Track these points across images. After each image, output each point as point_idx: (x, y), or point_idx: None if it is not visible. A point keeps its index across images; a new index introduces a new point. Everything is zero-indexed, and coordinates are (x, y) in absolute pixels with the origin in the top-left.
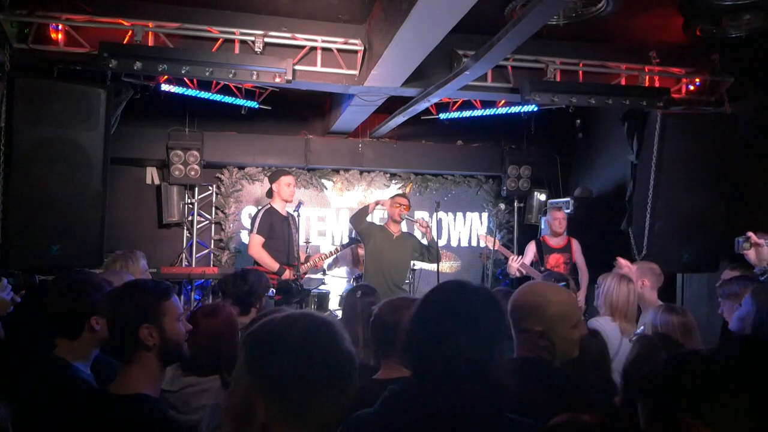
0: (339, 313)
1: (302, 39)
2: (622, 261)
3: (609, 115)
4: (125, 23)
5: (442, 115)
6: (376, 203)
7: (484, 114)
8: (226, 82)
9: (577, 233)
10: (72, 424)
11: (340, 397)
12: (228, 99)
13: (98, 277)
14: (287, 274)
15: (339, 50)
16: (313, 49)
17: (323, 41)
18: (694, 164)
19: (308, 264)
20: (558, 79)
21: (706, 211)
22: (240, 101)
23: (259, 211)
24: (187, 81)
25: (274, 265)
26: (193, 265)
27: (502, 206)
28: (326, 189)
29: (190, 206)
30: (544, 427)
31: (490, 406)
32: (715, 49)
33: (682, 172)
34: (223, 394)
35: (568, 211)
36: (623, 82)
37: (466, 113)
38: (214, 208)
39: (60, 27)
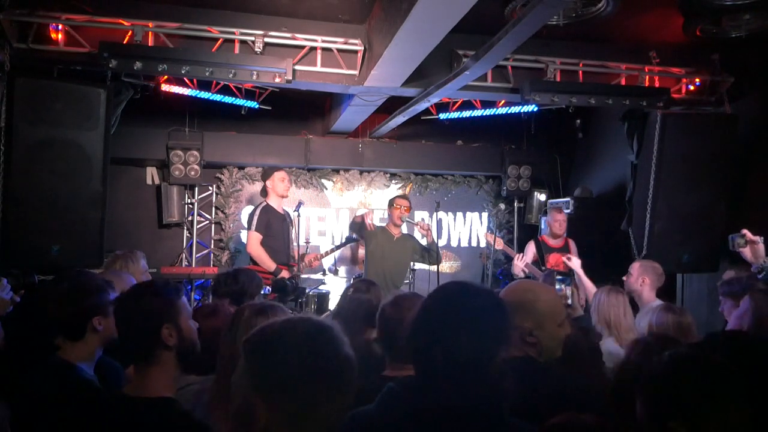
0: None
1: (302, 39)
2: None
3: (609, 115)
4: (125, 23)
5: (442, 115)
6: (363, 217)
7: (484, 114)
8: (226, 82)
9: (577, 233)
10: (88, 427)
11: (340, 400)
12: (228, 99)
13: (98, 278)
14: (284, 275)
15: (339, 50)
16: (313, 49)
17: (323, 41)
18: (694, 164)
19: (302, 264)
20: (558, 79)
21: (706, 211)
22: (240, 101)
23: (256, 208)
24: (187, 81)
25: (271, 265)
26: (193, 265)
27: (502, 206)
28: (326, 189)
29: (190, 206)
30: (542, 427)
31: (489, 408)
32: (715, 49)
33: (682, 172)
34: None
35: (568, 211)
36: (623, 82)
37: (466, 113)
38: (214, 208)
39: (60, 27)
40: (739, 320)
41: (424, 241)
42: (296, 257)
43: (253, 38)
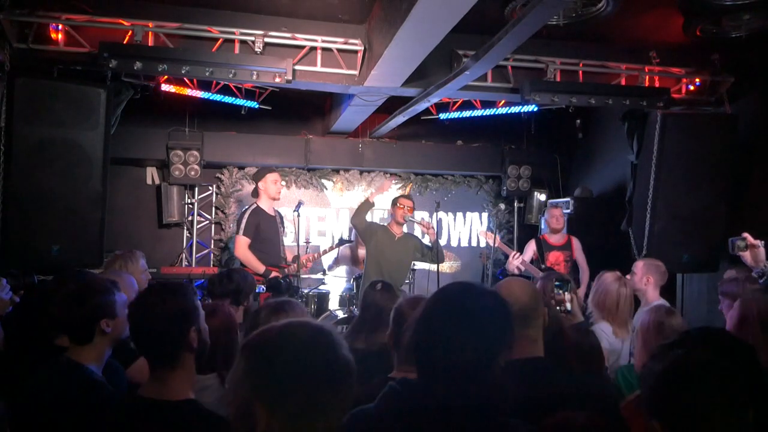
0: (339, 313)
1: (302, 39)
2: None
3: (609, 115)
4: (125, 23)
5: (442, 115)
6: (372, 196)
7: (484, 114)
8: (226, 82)
9: (577, 233)
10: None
11: (339, 403)
12: (228, 99)
13: (105, 279)
14: (273, 276)
15: (339, 50)
16: (313, 49)
17: (323, 41)
18: (694, 164)
19: (295, 265)
20: (558, 79)
21: (706, 211)
22: (240, 101)
23: (244, 211)
24: (187, 81)
25: (260, 268)
26: (193, 265)
27: (502, 206)
28: (326, 189)
29: (190, 206)
30: (538, 427)
31: (490, 408)
32: (715, 49)
33: (682, 172)
34: (221, 391)
35: (568, 211)
36: (623, 82)
37: (466, 113)
38: (214, 208)
39: (60, 27)
40: (731, 320)
41: (425, 239)
42: (288, 259)
43: (253, 38)
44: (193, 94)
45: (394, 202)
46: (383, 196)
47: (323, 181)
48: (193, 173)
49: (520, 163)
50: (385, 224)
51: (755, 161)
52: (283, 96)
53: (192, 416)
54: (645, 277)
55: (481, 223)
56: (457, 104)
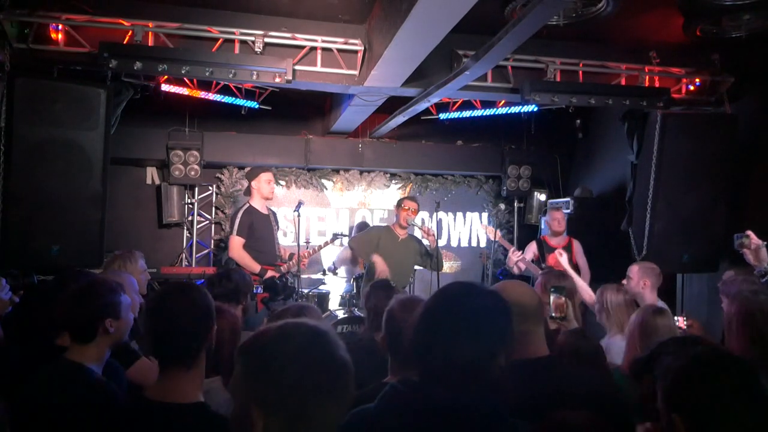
0: (339, 313)
1: (302, 39)
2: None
3: (609, 115)
4: (125, 23)
5: (442, 115)
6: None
7: (484, 114)
8: (226, 82)
9: (577, 233)
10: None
11: (337, 405)
12: (228, 99)
13: (110, 279)
14: (269, 275)
15: (339, 50)
16: (313, 49)
17: (323, 41)
18: (694, 164)
19: (291, 263)
20: (558, 79)
21: (706, 211)
22: (240, 101)
23: (237, 211)
24: (187, 81)
25: (255, 267)
26: (193, 265)
27: (502, 206)
28: (326, 189)
29: (190, 206)
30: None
31: (489, 408)
32: (715, 49)
33: (682, 172)
34: (225, 394)
35: (568, 211)
36: (623, 82)
37: (466, 113)
38: (214, 208)
39: (60, 27)
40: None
41: (425, 242)
42: (284, 256)
43: (253, 38)
44: (193, 94)
45: (399, 203)
46: (383, 195)
47: (323, 181)
48: (193, 173)
49: (520, 163)
50: (389, 225)
51: (755, 161)
52: (283, 96)
53: (203, 421)
54: (642, 281)
55: (481, 223)
56: (457, 104)
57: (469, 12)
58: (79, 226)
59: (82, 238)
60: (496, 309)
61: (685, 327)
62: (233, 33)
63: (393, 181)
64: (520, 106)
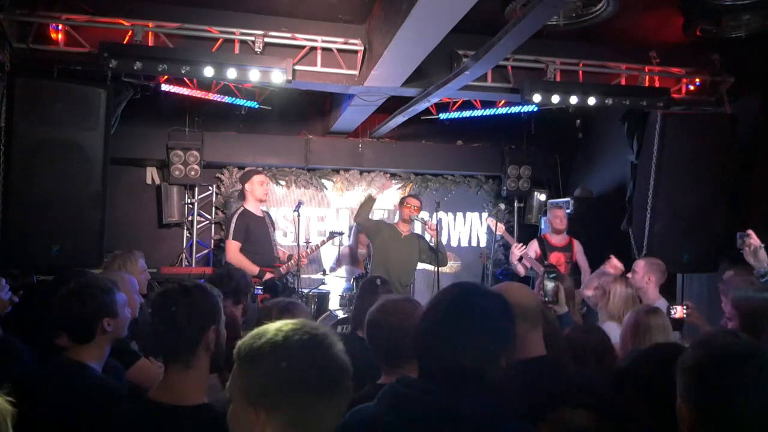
0: (339, 313)
1: (302, 39)
2: (614, 261)
3: (609, 115)
4: (125, 23)
5: (442, 115)
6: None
7: (484, 114)
8: (226, 82)
9: (577, 233)
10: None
11: (335, 405)
12: (228, 99)
13: (104, 279)
14: (268, 277)
15: (339, 50)
16: (313, 49)
17: (323, 41)
18: (694, 164)
19: (290, 263)
20: (558, 79)
21: (706, 211)
22: (240, 101)
23: (232, 215)
24: (187, 81)
25: (254, 270)
26: (193, 265)
27: (502, 206)
28: (326, 189)
29: (190, 206)
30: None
31: (490, 409)
32: (715, 49)
33: (682, 172)
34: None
35: (568, 211)
36: (623, 82)
37: (466, 113)
38: (214, 208)
39: (60, 27)
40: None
41: (428, 236)
42: (282, 258)
43: (253, 38)
44: (193, 94)
45: (402, 201)
46: (384, 196)
47: (323, 181)
48: (193, 173)
49: (520, 163)
50: (393, 222)
51: (755, 161)
52: (283, 96)
53: (206, 423)
54: (647, 276)
55: (481, 223)
56: (457, 104)
57: (469, 12)
58: (79, 226)
59: (82, 238)
60: (497, 310)
61: (684, 315)
62: (233, 33)
63: (393, 181)
64: (520, 106)
